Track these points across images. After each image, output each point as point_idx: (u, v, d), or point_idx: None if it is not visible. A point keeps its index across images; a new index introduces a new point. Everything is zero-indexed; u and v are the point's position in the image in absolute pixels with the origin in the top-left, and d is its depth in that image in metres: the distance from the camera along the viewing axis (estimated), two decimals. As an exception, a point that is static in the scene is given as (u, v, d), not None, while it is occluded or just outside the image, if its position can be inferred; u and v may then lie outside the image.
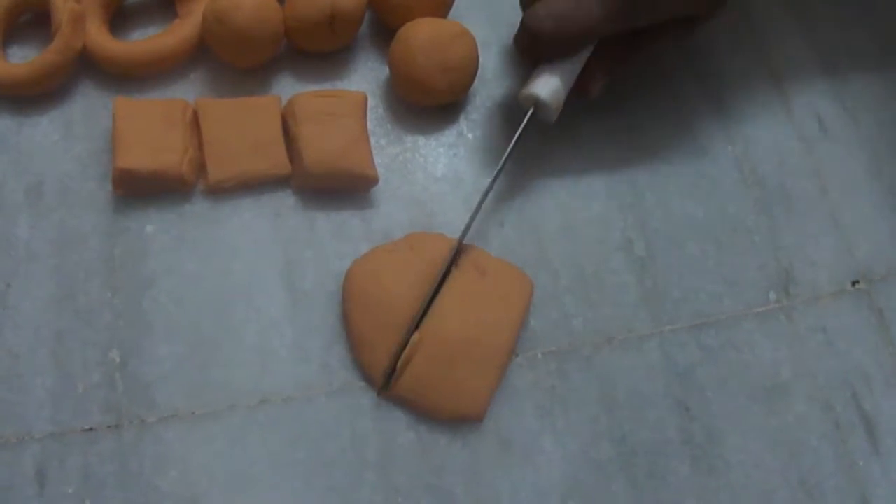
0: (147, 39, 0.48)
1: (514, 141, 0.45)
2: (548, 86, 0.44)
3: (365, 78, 0.50)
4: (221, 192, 0.46)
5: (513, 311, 0.43)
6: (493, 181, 0.44)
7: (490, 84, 0.50)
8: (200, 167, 0.46)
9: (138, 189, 0.45)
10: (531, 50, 0.45)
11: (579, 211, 0.47)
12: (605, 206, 0.48)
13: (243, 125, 0.46)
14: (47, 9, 0.47)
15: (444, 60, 0.46)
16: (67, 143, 0.46)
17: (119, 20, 0.50)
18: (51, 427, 0.40)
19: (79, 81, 0.48)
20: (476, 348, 0.42)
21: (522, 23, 0.44)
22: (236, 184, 0.45)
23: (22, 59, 0.48)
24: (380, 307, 0.42)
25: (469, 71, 0.48)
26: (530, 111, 0.45)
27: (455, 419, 0.42)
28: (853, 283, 0.47)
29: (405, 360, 0.41)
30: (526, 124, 0.45)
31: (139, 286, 0.43)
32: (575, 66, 0.45)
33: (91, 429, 0.40)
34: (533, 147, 0.49)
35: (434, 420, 0.42)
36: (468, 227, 0.44)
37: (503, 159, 0.44)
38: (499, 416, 0.42)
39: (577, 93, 0.46)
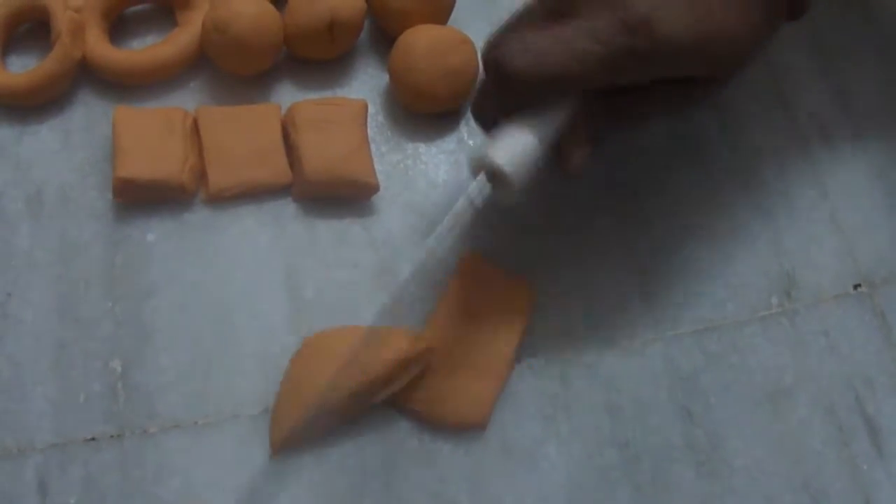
0: (146, 48, 0.48)
1: (445, 222, 0.36)
2: (509, 150, 0.34)
3: (365, 85, 0.50)
4: (222, 200, 0.46)
5: (515, 320, 0.43)
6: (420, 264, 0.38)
7: (490, 90, 0.50)
8: (201, 176, 0.46)
9: (139, 198, 0.45)
10: (497, 103, 0.37)
11: (580, 216, 0.47)
12: (605, 212, 0.48)
13: (243, 133, 0.46)
14: (47, 18, 0.47)
15: (444, 67, 0.46)
16: (67, 152, 0.46)
17: (118, 29, 0.50)
18: (52, 437, 0.40)
19: (78, 90, 0.48)
20: (478, 357, 0.42)
21: (487, 69, 0.36)
22: (237, 192, 0.45)
23: (21, 69, 0.48)
24: (304, 383, 0.40)
25: (469, 78, 0.48)
26: (476, 180, 0.35)
27: (458, 427, 0.42)
28: (855, 287, 0.47)
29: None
30: (473, 198, 0.35)
31: (140, 295, 0.43)
32: (548, 127, 0.36)
33: (93, 438, 0.40)
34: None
35: (437, 428, 0.42)
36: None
37: (430, 242, 0.36)
38: (502, 423, 0.42)
39: (555, 165, 0.38)
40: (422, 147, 0.49)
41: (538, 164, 0.36)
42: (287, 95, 0.49)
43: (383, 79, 0.50)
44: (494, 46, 0.36)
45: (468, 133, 0.49)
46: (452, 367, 0.41)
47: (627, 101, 0.38)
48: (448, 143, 0.49)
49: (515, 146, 0.35)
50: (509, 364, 0.42)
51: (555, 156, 0.37)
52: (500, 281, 0.44)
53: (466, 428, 0.42)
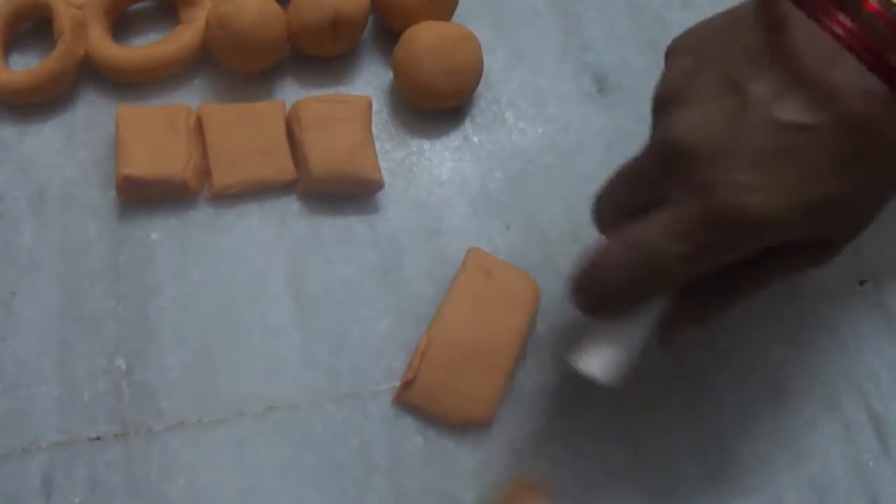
0: (149, 45, 0.48)
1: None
2: (601, 357, 0.35)
3: (369, 82, 0.50)
4: (226, 198, 0.45)
5: (520, 316, 0.43)
6: None
7: (495, 87, 0.50)
8: (204, 173, 0.45)
9: (142, 196, 0.45)
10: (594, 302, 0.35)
11: (585, 214, 0.47)
12: (611, 209, 0.47)
13: (247, 131, 0.46)
14: (49, 16, 0.46)
15: (448, 64, 0.46)
16: (70, 150, 0.46)
17: (121, 26, 0.50)
18: (57, 436, 0.40)
19: (81, 88, 0.48)
20: (483, 353, 0.42)
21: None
22: (241, 190, 0.45)
23: (24, 67, 0.48)
24: None
25: (474, 74, 0.47)
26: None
27: (463, 424, 0.42)
28: (861, 283, 0.47)
29: (412, 367, 0.41)
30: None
31: (144, 294, 0.43)
32: (641, 326, 0.35)
33: (97, 437, 0.40)
34: (536, 148, 0.49)
35: (442, 425, 0.42)
36: None
37: None
38: (507, 420, 0.42)
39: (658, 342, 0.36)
40: (426, 144, 0.48)
41: (632, 357, 0.36)
42: (291, 92, 0.49)
43: (387, 75, 0.50)
44: (582, 267, 0.34)
45: (472, 130, 0.49)
46: (458, 365, 0.41)
47: (738, 273, 0.34)
48: (452, 139, 0.49)
49: (608, 356, 0.35)
50: (515, 360, 0.42)
51: (657, 333, 0.36)
52: (505, 278, 0.44)
53: (471, 425, 0.42)
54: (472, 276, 0.43)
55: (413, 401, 0.41)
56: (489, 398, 0.42)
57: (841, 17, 0.30)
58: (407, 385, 0.41)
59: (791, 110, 0.30)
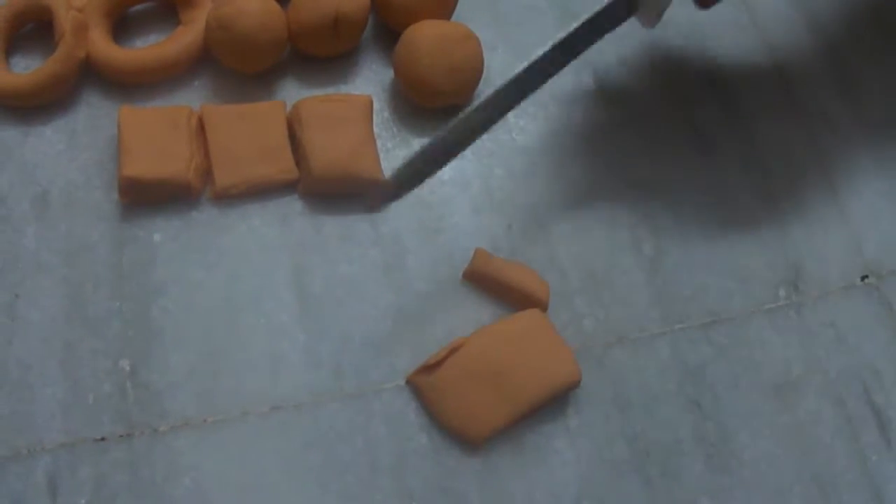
0: (150, 47, 0.48)
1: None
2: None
3: (370, 81, 0.50)
4: (228, 198, 0.46)
5: (553, 375, 0.42)
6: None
7: (495, 85, 0.50)
8: (207, 174, 0.46)
9: (145, 197, 0.45)
10: None
11: (587, 211, 0.47)
12: (612, 206, 0.48)
13: (249, 131, 0.46)
14: (50, 18, 0.47)
15: (449, 62, 0.46)
16: (73, 152, 0.46)
17: (122, 28, 0.50)
18: (62, 437, 0.40)
19: (82, 90, 0.48)
20: (507, 385, 0.41)
21: None
22: (243, 190, 0.45)
23: (25, 69, 0.48)
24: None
25: (474, 72, 0.47)
26: None
27: (453, 433, 0.41)
28: (862, 278, 0.47)
29: (439, 355, 0.41)
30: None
31: (148, 294, 0.43)
32: None
33: (102, 438, 0.40)
34: (538, 146, 0.49)
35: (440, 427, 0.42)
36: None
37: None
38: (511, 418, 0.42)
39: None
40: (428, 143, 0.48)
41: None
42: (292, 92, 0.49)
43: (388, 74, 0.50)
44: None
45: (473, 128, 0.49)
46: (481, 378, 0.41)
47: None
48: (454, 138, 0.49)
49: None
50: (533, 409, 0.41)
51: None
52: (516, 274, 0.44)
53: (460, 438, 0.41)
54: (532, 317, 0.43)
55: (423, 387, 0.41)
56: (490, 424, 0.41)
57: None
58: (426, 369, 0.41)
59: None
